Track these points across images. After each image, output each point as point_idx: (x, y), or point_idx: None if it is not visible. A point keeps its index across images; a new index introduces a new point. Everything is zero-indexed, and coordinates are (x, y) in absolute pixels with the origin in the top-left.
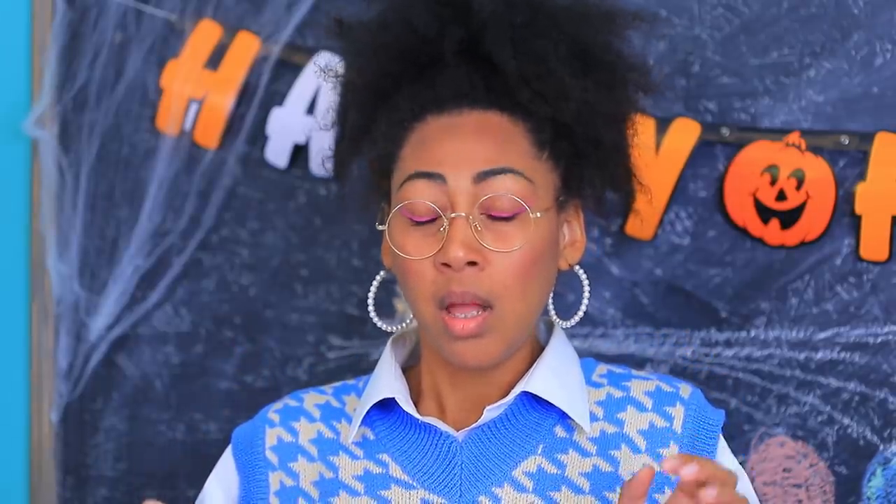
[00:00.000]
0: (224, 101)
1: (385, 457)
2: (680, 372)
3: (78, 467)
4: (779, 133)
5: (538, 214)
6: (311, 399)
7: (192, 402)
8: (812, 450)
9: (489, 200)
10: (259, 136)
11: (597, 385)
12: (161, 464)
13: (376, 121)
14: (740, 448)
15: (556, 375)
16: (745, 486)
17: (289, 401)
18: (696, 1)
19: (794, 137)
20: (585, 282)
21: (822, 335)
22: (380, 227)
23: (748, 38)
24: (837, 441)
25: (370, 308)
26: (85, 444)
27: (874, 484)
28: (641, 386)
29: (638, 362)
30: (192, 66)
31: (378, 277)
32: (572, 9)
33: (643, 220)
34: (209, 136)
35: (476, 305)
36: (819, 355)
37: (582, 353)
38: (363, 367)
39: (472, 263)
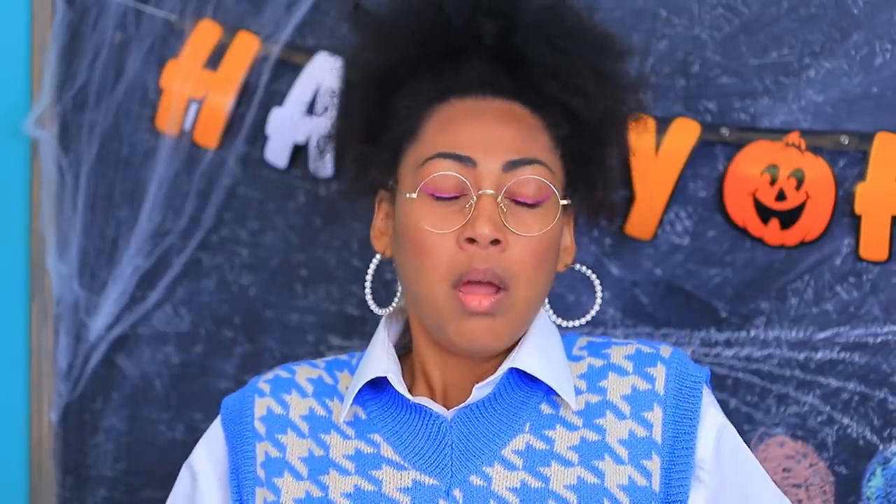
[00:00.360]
0: (224, 101)
1: (377, 437)
2: None
3: (78, 467)
4: (778, 133)
5: (565, 202)
6: (304, 372)
7: (192, 402)
8: (812, 450)
9: (516, 185)
10: (259, 136)
11: (577, 358)
12: (161, 464)
13: (394, 102)
14: None
15: (542, 352)
16: (732, 438)
17: (280, 372)
18: (696, 1)
19: (794, 137)
20: (597, 283)
21: (822, 335)
22: (409, 196)
23: (748, 38)
24: (837, 441)
25: (367, 292)
26: (85, 444)
27: (874, 484)
28: (621, 351)
29: None
30: (192, 66)
31: (374, 262)
32: (587, 20)
33: (641, 222)
34: (209, 136)
35: (492, 286)
36: (819, 355)
37: None
38: None
39: (496, 242)
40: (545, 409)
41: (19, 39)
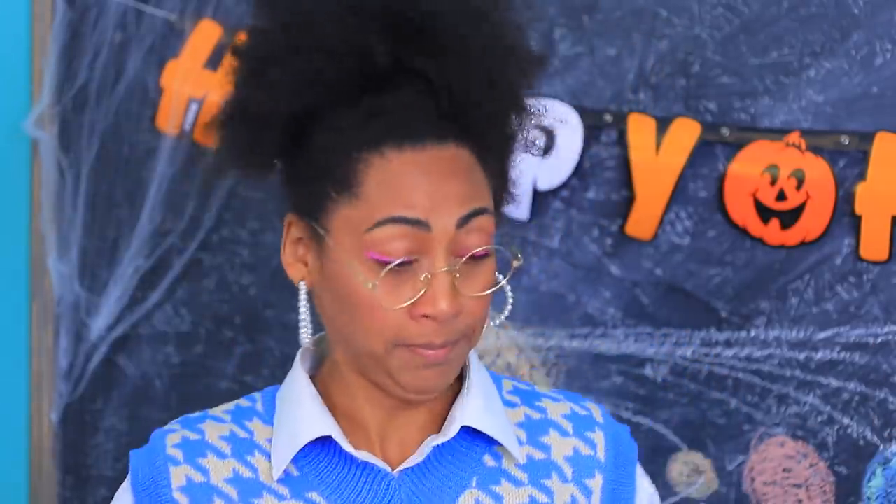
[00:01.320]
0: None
1: (315, 496)
2: (680, 372)
3: (78, 467)
4: (779, 133)
5: (498, 246)
6: (212, 430)
7: (192, 402)
8: (812, 450)
9: (467, 246)
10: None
11: (511, 405)
12: None
13: (311, 135)
14: (740, 448)
15: (486, 402)
16: None
17: (186, 432)
18: (696, 1)
19: (794, 137)
20: (508, 289)
21: (822, 335)
22: (350, 261)
23: (748, 38)
24: (837, 441)
25: (304, 330)
26: (85, 444)
27: (874, 484)
28: (556, 408)
29: (638, 362)
30: (192, 66)
31: (304, 295)
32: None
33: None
34: (209, 136)
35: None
36: (819, 355)
37: (582, 354)
38: None
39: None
40: (488, 461)
41: (19, 39)
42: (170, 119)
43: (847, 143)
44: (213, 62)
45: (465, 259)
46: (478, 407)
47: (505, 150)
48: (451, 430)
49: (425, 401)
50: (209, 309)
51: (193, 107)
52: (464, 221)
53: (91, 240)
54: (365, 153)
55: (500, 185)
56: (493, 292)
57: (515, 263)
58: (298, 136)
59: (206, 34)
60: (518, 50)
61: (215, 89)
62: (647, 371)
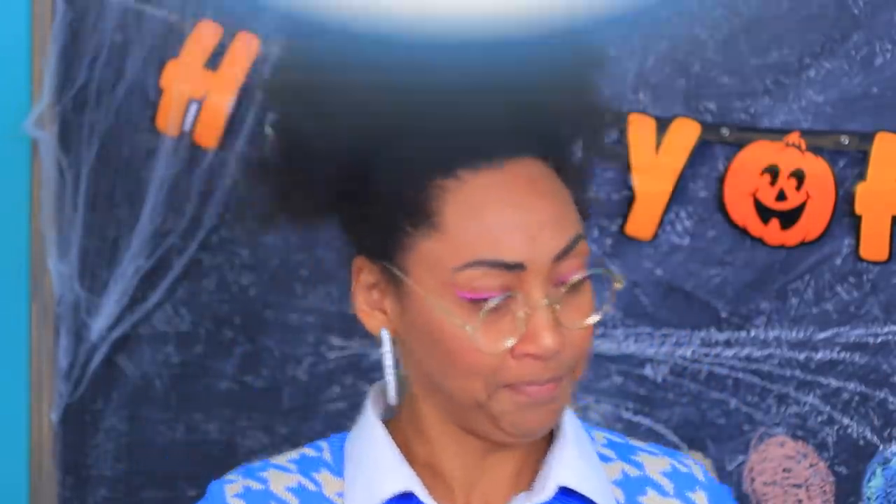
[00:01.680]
0: (224, 102)
1: None
2: (680, 372)
3: (78, 467)
4: (779, 133)
5: (598, 270)
6: (278, 480)
7: (192, 402)
8: (812, 450)
9: (564, 275)
10: (259, 136)
11: (607, 459)
12: (161, 464)
13: (371, 166)
14: (740, 448)
15: (581, 457)
16: None
17: (248, 482)
18: (696, 1)
19: (794, 137)
20: None
21: (822, 335)
22: (438, 300)
23: (748, 38)
24: (837, 441)
25: (391, 382)
26: (85, 444)
27: (874, 484)
28: (655, 464)
29: (638, 362)
30: (192, 67)
31: (388, 344)
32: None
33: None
34: (209, 137)
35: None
36: (819, 355)
37: None
38: (363, 367)
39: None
40: None
41: (19, 39)
42: (170, 119)
43: (847, 143)
44: (213, 62)
45: (564, 289)
46: (573, 463)
47: (581, 157)
48: (546, 489)
49: (525, 443)
50: (209, 309)
51: (193, 107)
52: (561, 255)
53: (91, 240)
54: (439, 179)
55: (580, 197)
56: (596, 321)
57: (617, 286)
58: (360, 169)
59: (206, 34)
60: (588, 50)
61: (215, 90)
62: (647, 371)
